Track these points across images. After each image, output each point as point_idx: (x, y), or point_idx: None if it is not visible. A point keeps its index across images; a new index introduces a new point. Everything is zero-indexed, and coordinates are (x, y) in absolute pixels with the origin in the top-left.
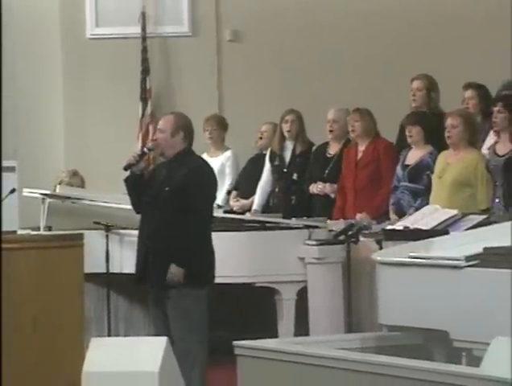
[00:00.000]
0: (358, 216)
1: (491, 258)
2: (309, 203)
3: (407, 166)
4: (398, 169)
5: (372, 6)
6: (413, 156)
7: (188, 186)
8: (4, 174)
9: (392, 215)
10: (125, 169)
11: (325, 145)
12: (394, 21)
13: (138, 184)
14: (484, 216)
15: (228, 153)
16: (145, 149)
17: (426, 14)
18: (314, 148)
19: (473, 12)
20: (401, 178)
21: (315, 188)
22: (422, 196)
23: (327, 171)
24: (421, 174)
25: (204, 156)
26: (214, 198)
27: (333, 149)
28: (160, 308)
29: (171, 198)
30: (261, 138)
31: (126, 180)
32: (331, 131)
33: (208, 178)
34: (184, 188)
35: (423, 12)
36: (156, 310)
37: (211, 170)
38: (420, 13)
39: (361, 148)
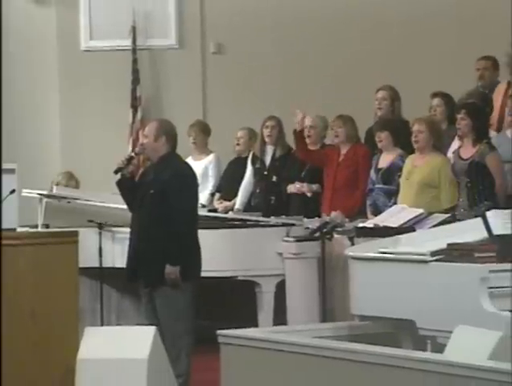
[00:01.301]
0: (333, 214)
1: (454, 253)
2: (287, 202)
3: (380, 169)
4: (372, 172)
5: (347, 22)
6: (384, 160)
7: (171, 189)
8: (4, 176)
9: (370, 216)
10: (116, 172)
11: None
12: (365, 35)
13: (129, 186)
14: (447, 215)
15: (210, 157)
16: (132, 154)
17: (394, 28)
18: (293, 151)
19: (437, 25)
20: (375, 181)
21: (294, 187)
22: (395, 196)
23: (304, 172)
24: (393, 175)
25: (189, 159)
26: (197, 199)
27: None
28: (152, 302)
29: (156, 200)
30: (238, 145)
31: (118, 183)
32: (308, 136)
33: (190, 181)
34: (168, 191)
35: (392, 27)
36: (148, 305)
37: (192, 172)
38: (389, 27)
39: (343, 151)
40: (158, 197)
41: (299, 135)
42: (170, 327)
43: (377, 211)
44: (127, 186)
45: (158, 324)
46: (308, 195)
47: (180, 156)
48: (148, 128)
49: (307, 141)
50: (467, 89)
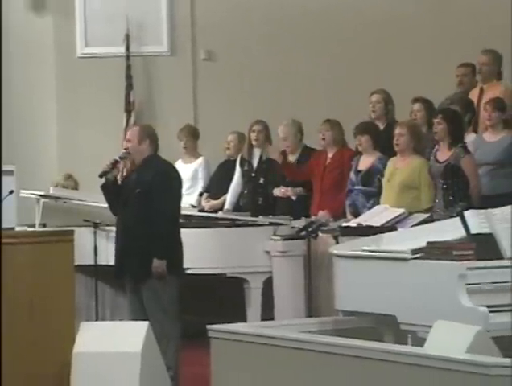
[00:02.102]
0: (320, 213)
1: (433, 251)
2: (274, 203)
3: (360, 171)
4: (352, 174)
5: (334, 30)
6: (364, 162)
7: (156, 188)
8: (3, 178)
9: (349, 216)
10: (101, 176)
11: (285, 151)
12: (354, 41)
13: (113, 189)
14: (427, 215)
15: (200, 160)
16: (117, 158)
17: (381, 37)
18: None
19: (421, 34)
20: (355, 182)
21: (279, 191)
22: (374, 197)
23: None
24: (373, 177)
25: (179, 162)
26: (180, 197)
27: (292, 158)
28: (137, 296)
29: (142, 199)
30: (228, 148)
31: (103, 186)
32: (286, 148)
33: (174, 180)
34: (153, 189)
35: (379, 35)
36: (134, 298)
37: (177, 173)
38: (376, 36)
39: (330, 155)
40: (143, 197)
41: (284, 160)
42: (158, 320)
43: (356, 212)
44: (111, 190)
45: (144, 317)
46: (293, 198)
47: (161, 157)
48: (131, 133)
49: (286, 150)
50: (447, 95)
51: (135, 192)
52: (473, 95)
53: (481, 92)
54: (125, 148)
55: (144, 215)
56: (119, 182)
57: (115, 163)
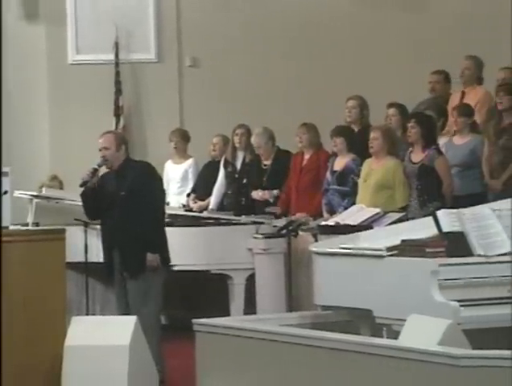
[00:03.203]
0: (298, 215)
1: (407, 249)
2: (254, 204)
3: (335, 171)
4: (328, 174)
5: (314, 37)
6: (339, 163)
7: (140, 188)
8: None
9: (325, 215)
10: (82, 185)
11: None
12: (332, 49)
13: (93, 196)
14: (401, 214)
15: (190, 161)
16: (95, 166)
17: (358, 44)
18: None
19: (397, 41)
20: (330, 182)
21: (257, 194)
22: (348, 197)
23: (265, 179)
24: (347, 177)
25: (169, 163)
26: (164, 193)
27: (267, 162)
28: (125, 291)
29: (128, 200)
30: (214, 150)
31: (82, 194)
32: (261, 155)
33: (156, 178)
34: (137, 190)
35: (357, 42)
36: (121, 293)
37: (155, 170)
38: (354, 43)
39: (306, 156)
40: (129, 198)
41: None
42: (144, 314)
43: (331, 210)
44: (91, 197)
45: (129, 311)
46: (270, 200)
47: (135, 159)
48: (107, 140)
49: (262, 158)
50: (421, 100)
51: (120, 195)
52: (455, 98)
53: (463, 95)
54: (103, 155)
55: (132, 215)
56: (96, 186)
57: (94, 172)
